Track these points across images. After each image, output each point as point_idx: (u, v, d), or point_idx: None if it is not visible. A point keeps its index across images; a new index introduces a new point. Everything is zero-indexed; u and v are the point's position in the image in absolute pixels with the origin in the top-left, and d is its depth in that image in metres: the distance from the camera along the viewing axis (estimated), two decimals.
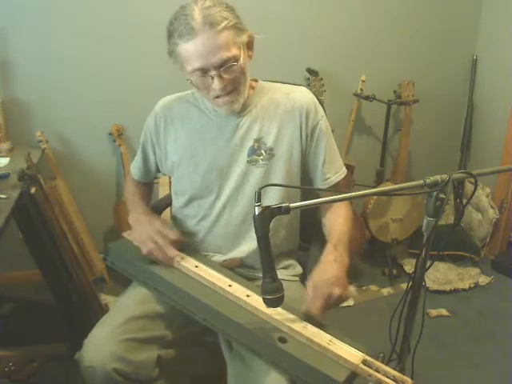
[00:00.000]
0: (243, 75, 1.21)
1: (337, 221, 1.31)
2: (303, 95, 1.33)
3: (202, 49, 1.11)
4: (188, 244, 1.37)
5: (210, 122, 1.31)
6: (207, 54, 1.12)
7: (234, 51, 1.14)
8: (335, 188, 1.35)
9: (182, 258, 1.27)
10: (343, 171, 1.38)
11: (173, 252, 1.24)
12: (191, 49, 1.12)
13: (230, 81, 1.17)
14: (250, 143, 1.29)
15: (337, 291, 1.09)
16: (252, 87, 1.32)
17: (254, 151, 1.28)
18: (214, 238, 1.35)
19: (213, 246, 1.36)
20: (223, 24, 1.11)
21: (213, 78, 1.15)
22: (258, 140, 1.28)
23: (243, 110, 1.28)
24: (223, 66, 1.14)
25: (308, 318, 1.11)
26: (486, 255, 2.76)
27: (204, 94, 1.24)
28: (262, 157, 1.28)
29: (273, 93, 1.33)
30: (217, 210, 1.32)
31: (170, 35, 1.16)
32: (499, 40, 2.67)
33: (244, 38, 1.17)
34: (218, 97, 1.21)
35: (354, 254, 2.27)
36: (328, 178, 1.34)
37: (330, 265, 1.15)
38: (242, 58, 1.16)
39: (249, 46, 1.22)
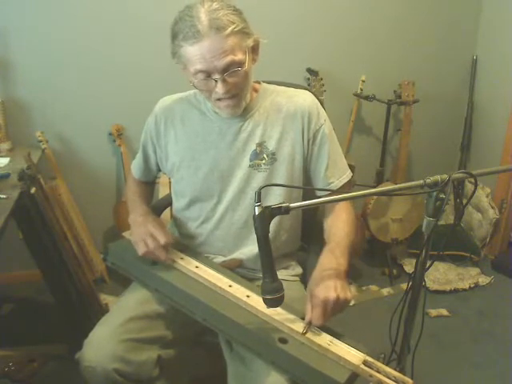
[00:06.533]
0: (247, 79, 1.19)
1: (337, 225, 1.28)
2: (306, 99, 1.31)
3: (207, 53, 1.09)
4: (189, 246, 1.37)
5: (212, 124, 1.30)
6: (212, 58, 1.10)
7: (239, 56, 1.12)
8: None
9: (182, 259, 1.27)
10: (347, 175, 1.34)
11: (163, 256, 1.22)
12: (196, 52, 1.10)
13: (234, 85, 1.16)
14: (252, 147, 1.27)
15: (332, 295, 1.05)
16: (255, 90, 1.31)
17: (256, 156, 1.27)
18: (216, 240, 1.34)
19: (214, 249, 1.35)
20: (230, 28, 1.09)
21: (216, 81, 1.14)
22: (260, 144, 1.27)
23: (246, 114, 1.27)
24: (227, 70, 1.12)
25: (311, 326, 1.07)
26: (486, 255, 2.76)
27: (206, 96, 1.23)
28: (264, 161, 1.27)
29: (275, 96, 1.31)
30: (218, 213, 1.31)
31: (174, 36, 1.14)
32: (499, 40, 2.67)
33: (250, 42, 1.16)
34: (219, 99, 1.19)
35: (353, 255, 2.27)
36: (331, 183, 1.32)
37: (325, 270, 1.12)
38: (246, 63, 1.15)
39: (254, 49, 1.20)
